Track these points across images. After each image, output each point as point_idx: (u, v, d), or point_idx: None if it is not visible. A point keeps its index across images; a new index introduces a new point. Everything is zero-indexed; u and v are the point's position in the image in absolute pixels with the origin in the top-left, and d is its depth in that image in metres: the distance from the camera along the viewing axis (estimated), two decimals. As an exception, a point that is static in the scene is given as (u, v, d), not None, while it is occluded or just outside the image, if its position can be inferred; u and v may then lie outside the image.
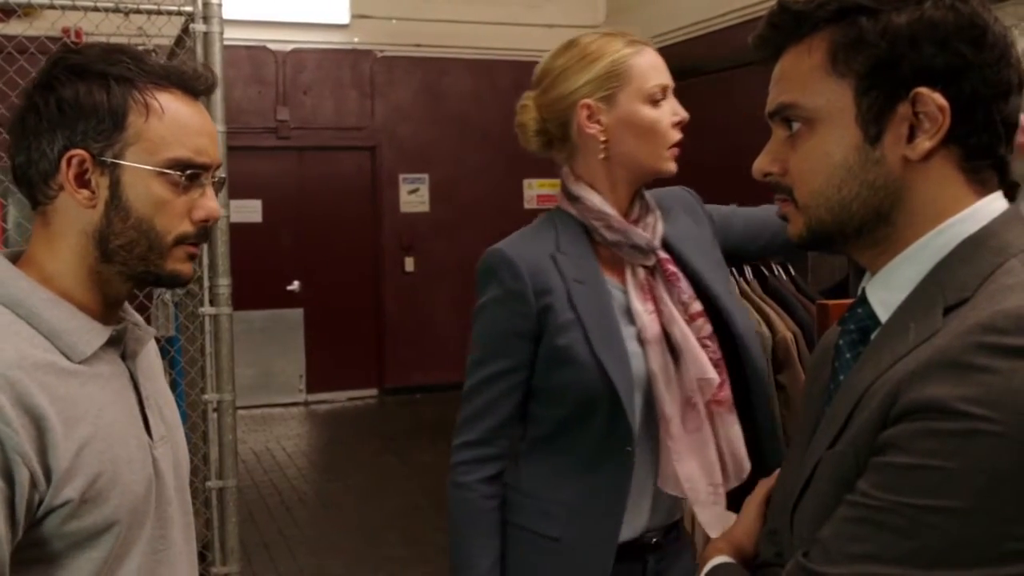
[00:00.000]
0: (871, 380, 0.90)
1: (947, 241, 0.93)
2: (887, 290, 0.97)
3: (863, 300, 1.01)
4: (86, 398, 1.15)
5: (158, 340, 4.24)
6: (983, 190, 0.95)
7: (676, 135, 1.66)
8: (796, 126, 0.99)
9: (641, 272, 1.65)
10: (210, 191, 1.24)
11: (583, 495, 1.62)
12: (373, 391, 8.93)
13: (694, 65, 7.79)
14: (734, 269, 2.85)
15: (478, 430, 1.67)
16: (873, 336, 0.98)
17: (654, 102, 1.64)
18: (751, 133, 7.04)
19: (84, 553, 1.14)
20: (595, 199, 1.67)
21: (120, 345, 1.25)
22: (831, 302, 1.95)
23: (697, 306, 1.65)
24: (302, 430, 8.03)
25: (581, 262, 1.65)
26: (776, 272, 2.90)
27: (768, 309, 2.72)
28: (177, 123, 1.20)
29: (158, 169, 1.18)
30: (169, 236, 1.21)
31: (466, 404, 1.69)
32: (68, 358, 1.16)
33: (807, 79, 0.97)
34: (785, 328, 2.67)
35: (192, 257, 1.25)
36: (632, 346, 1.61)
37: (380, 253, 8.76)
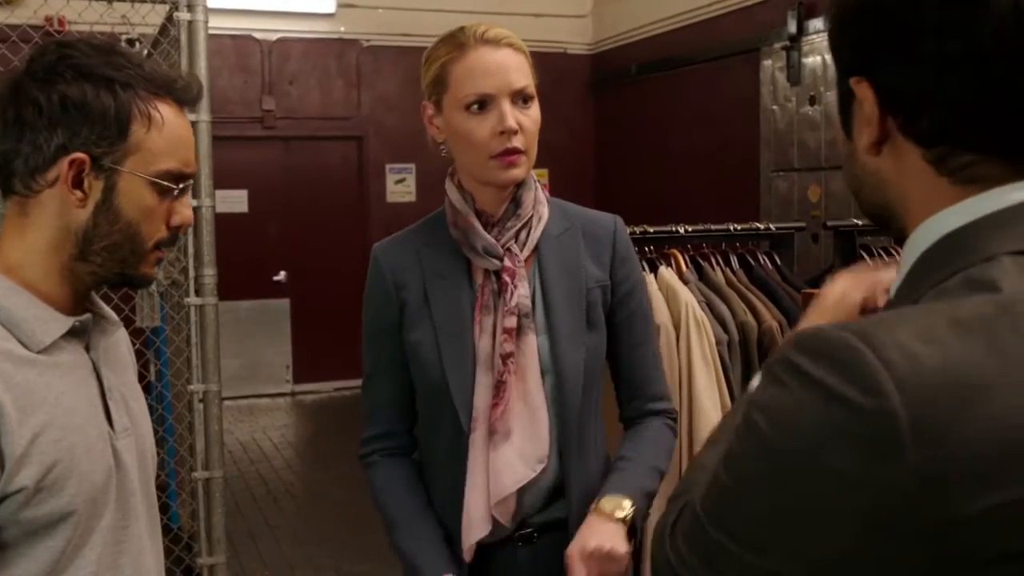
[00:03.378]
0: None
1: (928, 236, 0.85)
2: (897, 282, 0.91)
3: None
4: (44, 386, 1.16)
5: (142, 331, 4.22)
6: (971, 185, 0.83)
7: (499, 144, 1.56)
8: None
9: (482, 275, 1.63)
10: (186, 198, 1.27)
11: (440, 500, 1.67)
12: (359, 381, 8.90)
13: (682, 55, 7.79)
14: (720, 258, 2.87)
15: (379, 424, 1.75)
16: None
17: (469, 111, 1.57)
18: (737, 122, 7.11)
19: (41, 542, 1.15)
20: (453, 195, 1.66)
21: (84, 336, 1.25)
22: (817, 291, 1.95)
23: (510, 322, 1.60)
24: (288, 420, 8.02)
25: (447, 256, 1.65)
26: (762, 261, 2.92)
27: (754, 298, 2.74)
28: (173, 136, 1.23)
29: (152, 179, 1.21)
30: (150, 242, 1.24)
31: (363, 397, 1.78)
32: (26, 347, 1.16)
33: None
34: (771, 317, 2.68)
35: (159, 261, 1.28)
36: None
37: (367, 243, 8.69)
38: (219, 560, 3.31)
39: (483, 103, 1.57)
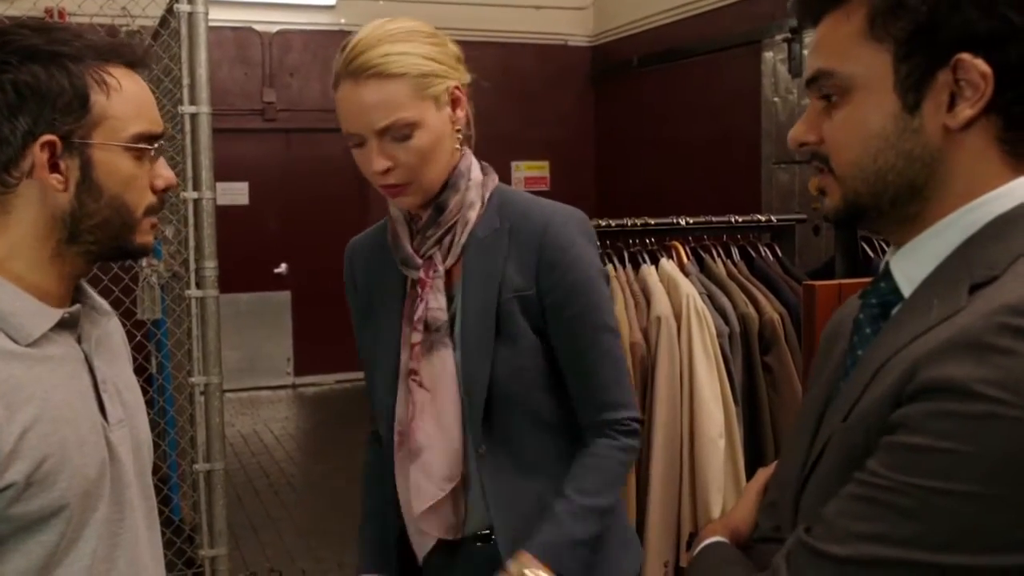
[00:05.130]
0: (888, 355, 0.88)
1: (979, 217, 0.91)
2: (912, 264, 0.95)
3: (886, 274, 0.98)
4: (32, 380, 1.14)
5: (144, 323, 4.22)
6: (1020, 166, 0.92)
7: (378, 180, 1.51)
8: (833, 96, 0.97)
9: (409, 285, 1.60)
10: (161, 160, 1.26)
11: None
12: (360, 374, 8.91)
13: (683, 47, 7.77)
14: (721, 250, 2.87)
15: (372, 410, 1.73)
16: (894, 311, 0.96)
17: (352, 145, 1.52)
18: (738, 114, 7.12)
19: (33, 537, 1.13)
20: (391, 200, 1.59)
21: (75, 328, 1.23)
22: (818, 283, 1.95)
23: (415, 337, 1.55)
24: (290, 413, 8.03)
25: (391, 261, 1.62)
26: (763, 253, 2.92)
27: (755, 290, 2.74)
28: (134, 97, 1.22)
29: (127, 145, 1.20)
30: (139, 210, 1.23)
31: None
32: (14, 340, 1.15)
33: (845, 45, 0.95)
34: (772, 309, 2.68)
35: (154, 227, 1.27)
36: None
37: (367, 236, 8.72)
38: (221, 552, 3.32)
39: (356, 141, 1.51)
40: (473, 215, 1.56)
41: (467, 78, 1.60)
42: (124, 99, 1.20)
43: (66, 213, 1.19)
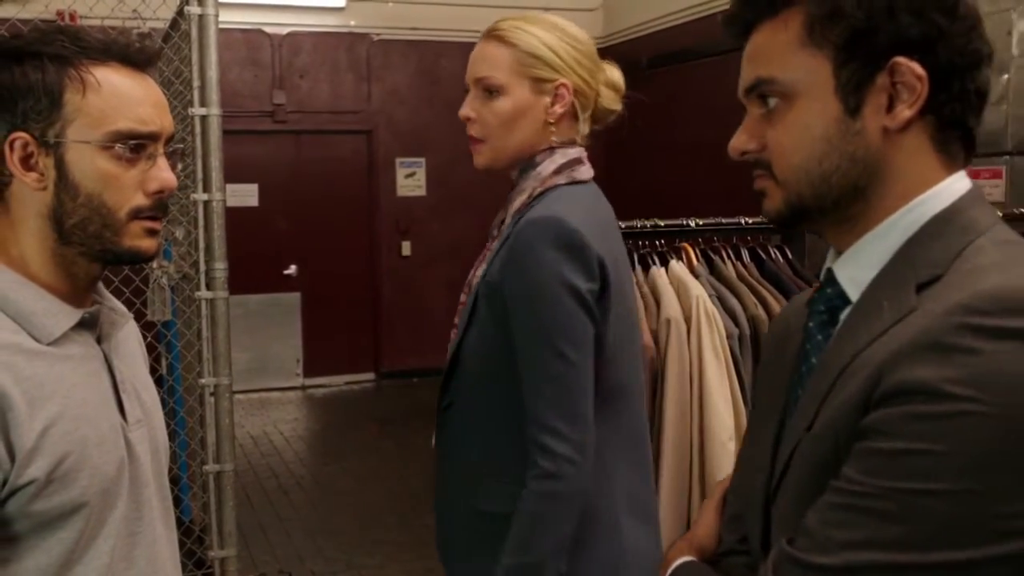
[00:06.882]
0: (847, 360, 0.89)
1: (916, 219, 0.94)
2: (856, 268, 0.97)
3: (831, 280, 1.00)
4: (54, 379, 1.15)
5: (154, 325, 4.23)
6: (952, 165, 0.96)
7: (467, 128, 1.67)
8: (773, 102, 0.98)
9: None
10: (162, 161, 1.22)
11: None
12: (370, 375, 8.93)
13: (693, 48, 7.76)
14: (731, 252, 2.86)
15: None
16: (843, 315, 0.98)
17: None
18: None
19: (53, 534, 1.14)
20: None
21: (95, 328, 1.24)
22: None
23: (463, 297, 1.68)
24: (299, 414, 8.04)
25: None
26: (773, 255, 2.91)
27: (765, 292, 2.73)
28: (116, 95, 1.19)
29: (101, 143, 1.18)
30: (121, 211, 1.20)
31: None
32: (36, 339, 1.16)
33: (783, 53, 0.97)
34: (782, 311, 2.68)
35: (152, 232, 1.23)
36: None
37: (377, 237, 8.75)
38: (230, 553, 3.33)
39: (466, 89, 1.66)
40: (517, 202, 1.64)
41: (611, 101, 1.72)
42: (102, 97, 1.17)
43: (50, 212, 1.18)
